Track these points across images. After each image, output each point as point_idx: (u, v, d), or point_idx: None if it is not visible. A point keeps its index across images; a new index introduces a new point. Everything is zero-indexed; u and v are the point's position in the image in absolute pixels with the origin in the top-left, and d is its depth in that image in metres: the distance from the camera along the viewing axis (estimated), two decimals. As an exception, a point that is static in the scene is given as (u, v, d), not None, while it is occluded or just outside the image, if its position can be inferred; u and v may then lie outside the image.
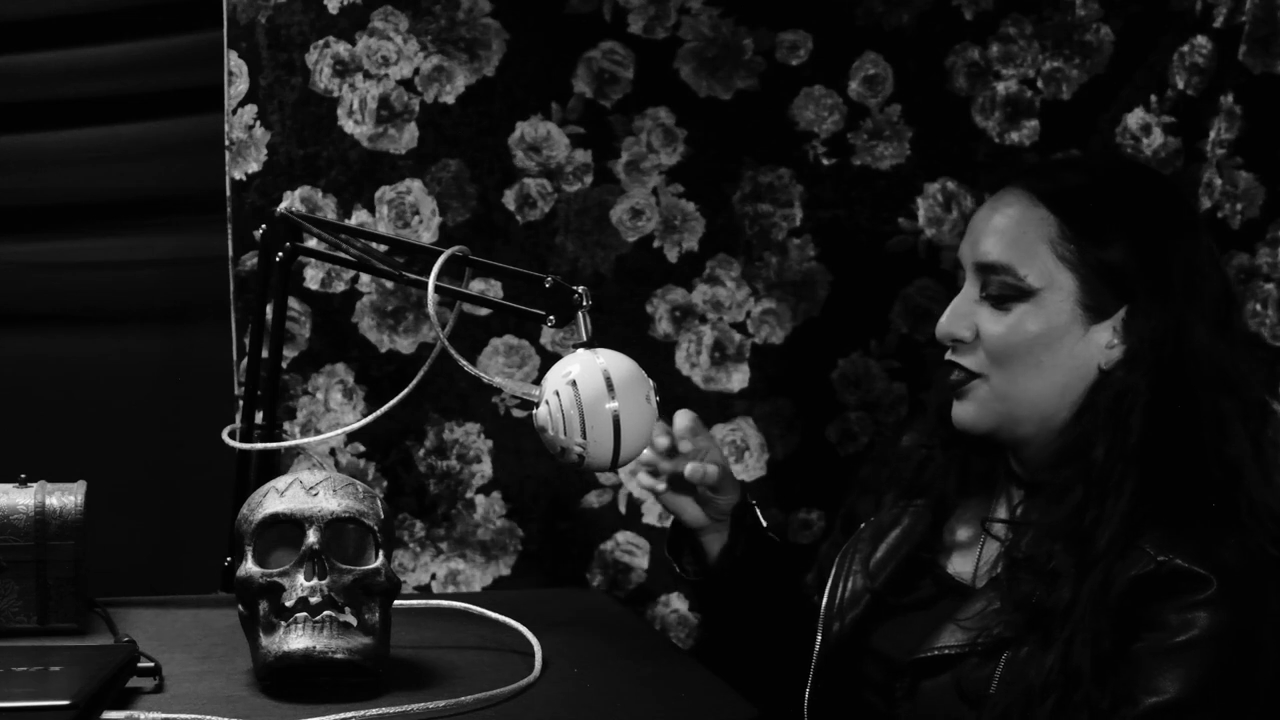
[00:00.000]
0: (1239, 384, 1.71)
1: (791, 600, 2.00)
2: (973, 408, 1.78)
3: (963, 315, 1.77)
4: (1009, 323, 1.74)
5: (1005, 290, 1.74)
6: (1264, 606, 1.63)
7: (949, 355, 1.79)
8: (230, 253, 2.27)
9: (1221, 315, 1.73)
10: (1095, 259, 1.72)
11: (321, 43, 2.27)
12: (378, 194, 2.30)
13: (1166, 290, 1.71)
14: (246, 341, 2.17)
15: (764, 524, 1.98)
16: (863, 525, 1.93)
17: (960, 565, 1.83)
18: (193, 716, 1.60)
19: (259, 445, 2.08)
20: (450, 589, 2.34)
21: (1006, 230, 1.74)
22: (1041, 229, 1.73)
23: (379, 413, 2.04)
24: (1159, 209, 1.75)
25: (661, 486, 1.94)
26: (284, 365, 2.27)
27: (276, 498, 1.74)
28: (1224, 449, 1.68)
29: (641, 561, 2.39)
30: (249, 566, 1.72)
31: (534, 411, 1.85)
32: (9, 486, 1.96)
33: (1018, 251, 1.73)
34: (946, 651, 1.72)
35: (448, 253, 1.92)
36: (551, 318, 1.89)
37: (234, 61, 2.25)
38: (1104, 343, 1.73)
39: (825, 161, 2.39)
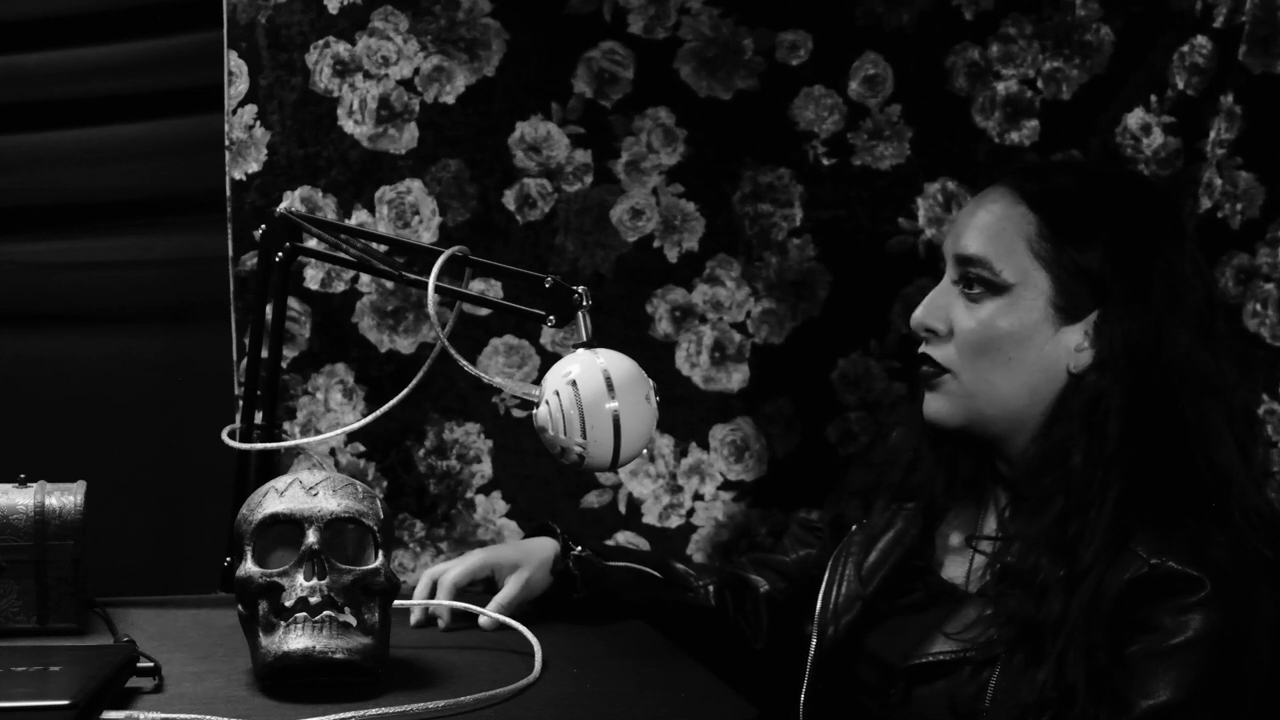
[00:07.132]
0: (1223, 390, 1.71)
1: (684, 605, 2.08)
2: (942, 402, 1.79)
3: (939, 307, 1.80)
4: (981, 317, 1.75)
5: (980, 283, 1.75)
6: (1256, 606, 1.63)
7: (921, 348, 1.81)
8: (230, 253, 2.27)
9: (1205, 323, 1.72)
10: (1071, 260, 1.72)
11: (321, 43, 2.27)
12: (378, 194, 2.30)
13: (1144, 296, 1.71)
14: (246, 341, 2.17)
15: (587, 568, 2.05)
16: (854, 529, 1.93)
17: (953, 570, 1.83)
18: (193, 716, 1.60)
19: (259, 445, 2.08)
20: (450, 589, 2.34)
21: (987, 226, 1.76)
22: (1020, 226, 1.74)
23: (379, 413, 2.03)
24: (1143, 218, 1.75)
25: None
26: (284, 365, 2.27)
27: (276, 498, 1.74)
28: (1212, 455, 1.68)
29: (641, 561, 2.39)
30: (249, 566, 1.72)
31: (534, 411, 1.85)
32: (9, 486, 1.95)
33: (996, 246, 1.75)
34: (941, 658, 1.72)
35: (448, 253, 1.92)
36: (551, 318, 1.89)
37: (234, 61, 2.25)
38: (1073, 345, 1.73)
39: (825, 161, 2.39)
